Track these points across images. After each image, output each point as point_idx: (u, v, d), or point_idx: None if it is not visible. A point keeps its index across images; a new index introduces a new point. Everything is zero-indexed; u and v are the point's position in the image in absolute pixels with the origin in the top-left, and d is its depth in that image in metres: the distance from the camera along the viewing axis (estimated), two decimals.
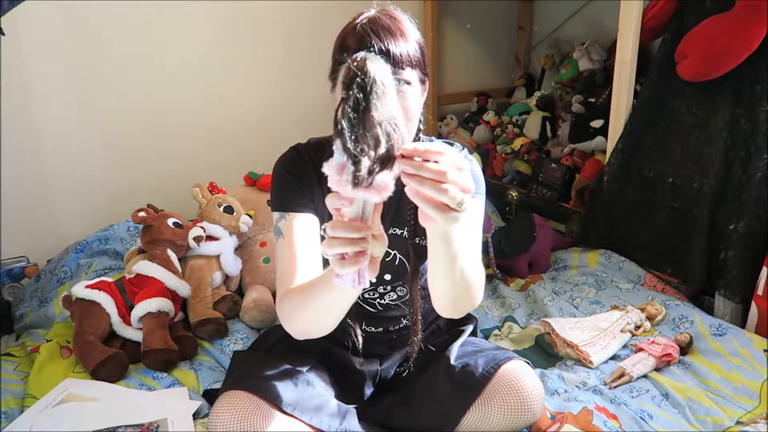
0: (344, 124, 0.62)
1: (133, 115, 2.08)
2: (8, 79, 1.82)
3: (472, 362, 1.13)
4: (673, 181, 1.74)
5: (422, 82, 0.99)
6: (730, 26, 1.55)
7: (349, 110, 0.62)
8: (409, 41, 0.95)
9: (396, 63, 0.92)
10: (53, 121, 1.95)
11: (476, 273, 0.94)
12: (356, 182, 0.63)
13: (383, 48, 0.91)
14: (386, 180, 0.64)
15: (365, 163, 0.62)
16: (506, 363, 1.12)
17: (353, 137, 0.62)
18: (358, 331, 1.07)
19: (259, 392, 1.03)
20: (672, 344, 1.42)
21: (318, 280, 0.90)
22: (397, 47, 0.92)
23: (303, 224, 1.03)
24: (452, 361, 1.15)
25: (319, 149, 1.10)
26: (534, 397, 1.10)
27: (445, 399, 1.11)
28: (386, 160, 0.64)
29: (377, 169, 0.63)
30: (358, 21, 0.96)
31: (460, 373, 1.12)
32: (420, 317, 1.09)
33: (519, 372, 1.12)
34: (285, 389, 1.05)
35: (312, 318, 0.94)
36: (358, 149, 0.62)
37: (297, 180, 1.06)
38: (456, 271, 0.87)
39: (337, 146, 0.63)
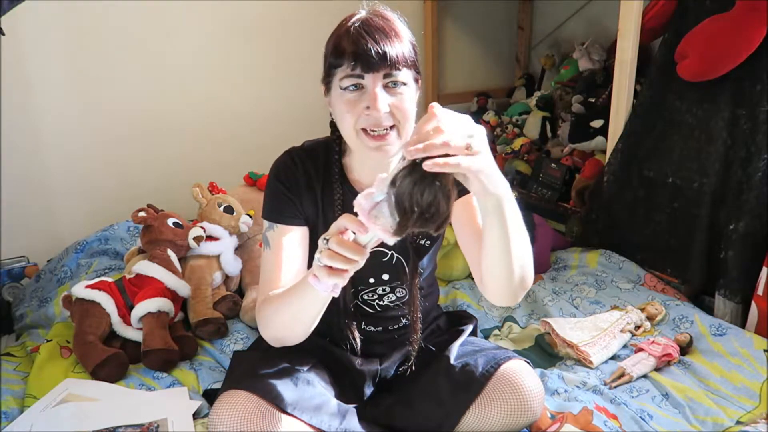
0: (406, 184, 0.70)
1: (134, 115, 2.08)
2: (8, 78, 1.82)
3: (472, 362, 1.13)
4: (673, 181, 1.74)
5: (416, 81, 1.00)
6: (730, 26, 1.55)
7: (417, 176, 0.70)
8: (404, 41, 0.95)
9: (393, 64, 0.92)
10: (53, 120, 1.95)
11: (531, 261, 0.96)
12: (396, 232, 0.72)
13: (379, 50, 0.91)
14: None
15: (411, 222, 0.71)
16: (506, 362, 1.12)
17: (412, 200, 0.70)
18: (357, 335, 1.07)
19: (259, 392, 1.03)
20: (672, 344, 1.42)
21: (292, 287, 0.97)
22: (393, 49, 0.93)
23: (290, 238, 1.07)
24: (452, 361, 1.15)
25: (313, 154, 1.11)
26: (534, 397, 1.10)
27: (444, 399, 1.11)
28: (427, 226, 0.71)
29: (415, 230, 0.72)
30: (350, 23, 0.96)
31: (460, 373, 1.12)
32: (419, 316, 1.09)
33: (519, 371, 1.12)
34: (285, 389, 1.05)
35: (286, 322, 0.98)
36: (412, 210, 0.70)
37: (288, 191, 1.07)
38: (515, 261, 0.90)
39: (380, 186, 0.72)
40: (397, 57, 0.93)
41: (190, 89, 2.17)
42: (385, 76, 0.93)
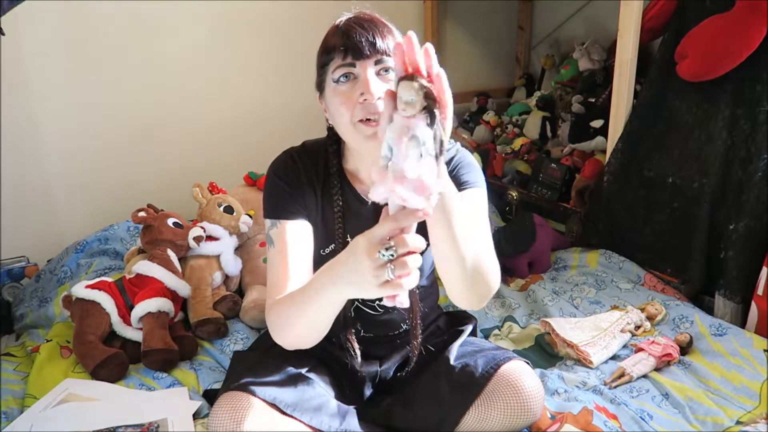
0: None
1: (134, 115, 2.08)
2: (8, 78, 1.82)
3: (472, 362, 1.13)
4: (673, 181, 1.74)
5: None
6: (730, 26, 1.55)
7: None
8: (393, 33, 0.97)
9: (383, 51, 0.94)
10: (53, 120, 1.95)
11: (488, 258, 0.93)
12: (437, 150, 0.65)
13: (369, 38, 0.93)
14: (427, 182, 0.64)
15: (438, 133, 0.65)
16: (506, 363, 1.12)
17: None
18: (356, 346, 1.06)
19: (258, 393, 1.03)
20: (672, 344, 1.42)
21: (305, 294, 0.89)
22: (382, 36, 0.94)
23: (295, 232, 1.03)
24: (452, 362, 1.15)
25: (312, 154, 1.10)
26: (534, 398, 1.10)
27: (444, 399, 1.10)
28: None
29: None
30: (338, 22, 0.98)
31: (460, 374, 1.12)
32: (419, 321, 1.09)
33: (519, 372, 1.12)
34: (285, 390, 1.05)
35: (303, 330, 0.94)
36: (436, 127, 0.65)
37: (289, 187, 1.06)
38: (466, 255, 0.85)
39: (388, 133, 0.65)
40: (387, 44, 0.94)
41: (190, 89, 2.17)
42: (377, 62, 0.94)
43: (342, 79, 0.95)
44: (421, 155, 0.64)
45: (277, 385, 1.05)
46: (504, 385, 1.09)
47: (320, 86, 1.01)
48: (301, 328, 0.93)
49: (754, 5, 1.51)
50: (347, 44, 0.93)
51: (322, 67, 0.98)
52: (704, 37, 1.60)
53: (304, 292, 0.90)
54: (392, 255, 0.68)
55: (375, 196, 0.66)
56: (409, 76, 0.64)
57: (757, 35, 1.51)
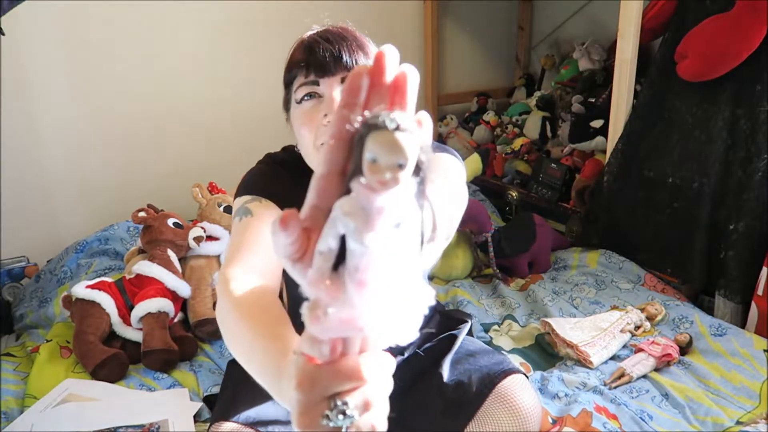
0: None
1: (133, 115, 2.08)
2: (8, 78, 1.82)
3: (466, 379, 1.07)
4: (673, 181, 1.74)
5: None
6: (730, 26, 1.55)
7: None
8: (365, 47, 0.88)
9: (350, 67, 0.84)
10: (53, 121, 1.95)
11: (457, 208, 0.77)
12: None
13: (334, 53, 0.84)
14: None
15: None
16: (502, 380, 1.06)
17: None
18: None
19: (249, 422, 0.98)
20: (672, 344, 1.42)
21: (252, 360, 0.60)
22: (351, 52, 0.85)
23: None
24: (445, 378, 1.09)
25: (290, 162, 1.02)
26: (530, 418, 1.04)
27: (438, 419, 1.06)
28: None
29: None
30: (305, 36, 0.90)
31: (454, 391, 1.07)
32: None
33: (515, 390, 1.06)
34: (276, 413, 1.01)
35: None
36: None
37: (278, 177, 0.98)
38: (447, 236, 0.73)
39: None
40: (356, 59, 0.85)
41: (190, 89, 2.17)
42: (343, 80, 0.84)
43: (305, 98, 0.87)
44: (403, 245, 0.36)
45: (268, 410, 1.00)
46: (499, 406, 1.04)
47: (286, 105, 0.94)
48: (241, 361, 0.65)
49: (754, 5, 1.51)
50: (310, 60, 0.85)
51: (287, 85, 0.91)
52: (704, 37, 1.60)
53: (251, 360, 0.60)
54: (351, 421, 0.40)
55: (326, 330, 0.37)
56: (385, 122, 0.33)
57: (757, 35, 1.51)
